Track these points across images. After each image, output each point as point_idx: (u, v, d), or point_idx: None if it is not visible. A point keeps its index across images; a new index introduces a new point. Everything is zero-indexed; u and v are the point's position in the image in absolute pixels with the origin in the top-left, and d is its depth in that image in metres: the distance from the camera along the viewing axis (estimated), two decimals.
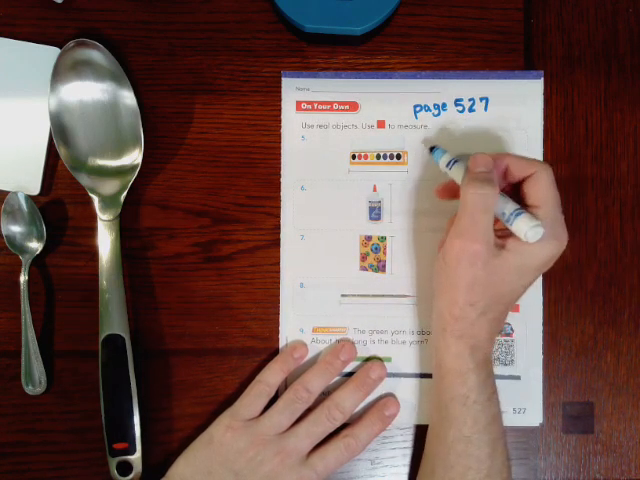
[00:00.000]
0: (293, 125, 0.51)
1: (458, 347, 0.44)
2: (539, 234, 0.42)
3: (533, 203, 0.44)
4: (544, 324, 0.51)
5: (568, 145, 0.51)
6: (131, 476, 0.49)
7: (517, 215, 0.42)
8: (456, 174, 0.46)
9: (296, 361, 0.50)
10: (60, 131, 0.49)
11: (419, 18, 0.52)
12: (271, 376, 0.49)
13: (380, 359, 0.51)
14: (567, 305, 0.51)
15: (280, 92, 0.51)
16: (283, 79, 0.51)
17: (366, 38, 0.51)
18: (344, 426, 0.49)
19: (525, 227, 0.42)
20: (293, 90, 0.51)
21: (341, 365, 0.49)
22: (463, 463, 0.44)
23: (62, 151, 0.49)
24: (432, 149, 0.49)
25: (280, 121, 0.51)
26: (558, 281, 0.51)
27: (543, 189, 0.44)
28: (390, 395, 0.50)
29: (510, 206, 0.43)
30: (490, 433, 0.45)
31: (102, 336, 0.48)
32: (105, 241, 0.49)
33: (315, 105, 0.51)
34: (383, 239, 0.51)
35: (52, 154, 0.51)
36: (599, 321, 0.51)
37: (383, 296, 0.51)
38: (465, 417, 0.44)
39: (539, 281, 0.51)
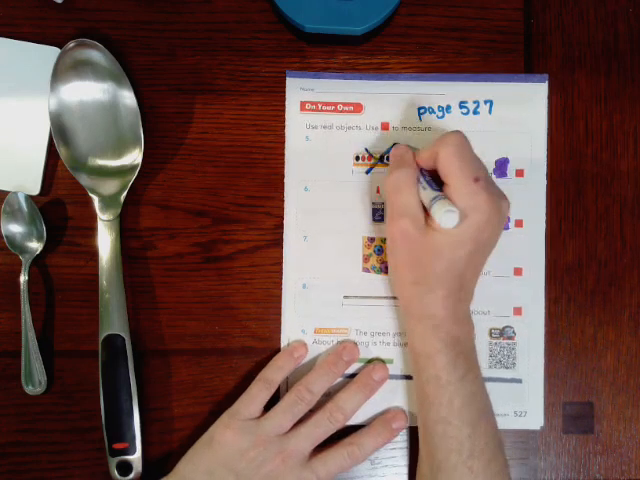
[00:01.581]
0: (297, 125, 0.51)
1: (420, 329, 0.45)
2: (454, 219, 0.41)
3: (446, 181, 0.44)
4: (544, 325, 0.51)
5: (568, 145, 0.51)
6: (131, 476, 0.49)
7: (434, 203, 0.42)
8: None
9: (296, 360, 0.50)
10: (60, 131, 0.49)
11: (419, 18, 0.52)
12: (271, 373, 0.49)
13: (382, 361, 0.51)
14: (567, 305, 0.51)
15: (281, 92, 0.51)
16: (287, 79, 0.51)
17: (366, 38, 0.51)
18: (349, 433, 0.49)
19: (439, 213, 0.42)
20: (297, 90, 0.51)
21: (344, 366, 0.49)
22: (445, 446, 0.44)
23: (62, 151, 0.49)
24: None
25: (280, 121, 0.51)
26: (558, 281, 0.51)
27: (446, 166, 0.43)
28: (399, 408, 0.50)
29: (429, 195, 0.43)
30: (469, 413, 0.44)
31: (102, 336, 0.48)
32: (105, 241, 0.49)
33: (319, 106, 0.51)
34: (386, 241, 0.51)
35: (52, 154, 0.51)
36: (599, 321, 0.51)
37: (385, 298, 0.51)
38: (440, 398, 0.44)
39: (541, 284, 0.51)
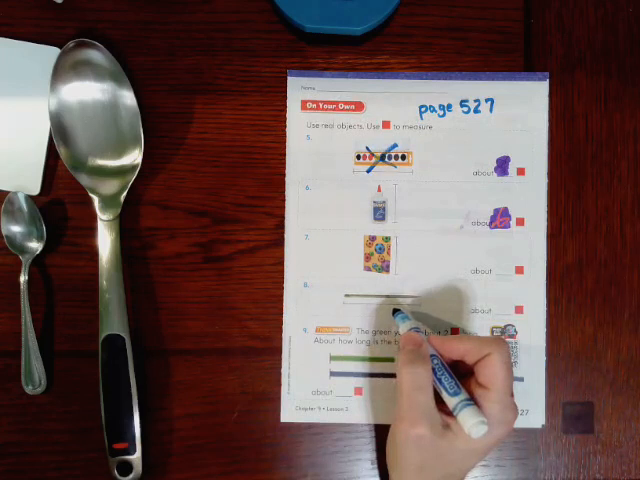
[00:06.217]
0: (298, 124, 0.51)
1: None
2: (482, 431, 0.41)
3: (483, 384, 0.43)
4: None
5: (568, 145, 0.52)
6: (131, 476, 0.49)
7: (462, 407, 0.42)
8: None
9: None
10: (60, 131, 0.49)
11: (419, 18, 0.52)
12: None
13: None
14: (567, 305, 0.51)
15: (281, 92, 0.51)
16: (289, 78, 0.51)
17: (366, 38, 0.51)
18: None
19: (469, 422, 0.41)
20: (299, 89, 0.51)
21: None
22: None
23: (62, 151, 0.49)
24: (395, 312, 0.49)
25: (281, 120, 0.51)
26: (558, 281, 0.51)
27: (493, 372, 0.42)
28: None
29: (458, 395, 0.42)
30: None
31: (102, 336, 0.48)
32: (105, 241, 0.49)
33: (320, 104, 0.51)
34: (387, 239, 0.51)
35: (52, 154, 0.51)
36: (599, 321, 0.51)
37: (387, 296, 0.51)
38: None
39: (542, 282, 0.51)
